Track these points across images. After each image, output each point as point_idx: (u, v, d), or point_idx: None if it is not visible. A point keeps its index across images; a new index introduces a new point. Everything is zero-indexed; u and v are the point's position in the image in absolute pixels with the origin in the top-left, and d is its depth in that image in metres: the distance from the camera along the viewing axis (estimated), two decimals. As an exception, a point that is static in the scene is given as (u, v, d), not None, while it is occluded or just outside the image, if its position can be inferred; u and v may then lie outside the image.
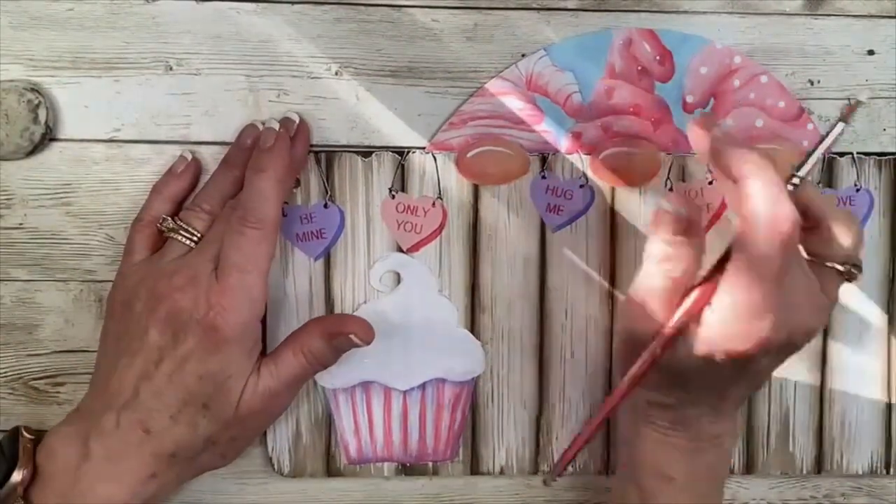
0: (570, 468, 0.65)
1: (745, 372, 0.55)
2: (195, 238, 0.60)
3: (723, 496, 0.61)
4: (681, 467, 0.58)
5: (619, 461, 0.64)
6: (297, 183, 0.64)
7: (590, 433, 0.58)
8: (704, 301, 0.54)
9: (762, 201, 0.51)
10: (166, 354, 0.56)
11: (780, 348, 0.54)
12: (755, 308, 0.52)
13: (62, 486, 0.56)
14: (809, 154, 0.55)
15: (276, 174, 0.59)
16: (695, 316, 0.54)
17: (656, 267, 0.56)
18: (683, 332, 0.54)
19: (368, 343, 0.60)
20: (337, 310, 0.65)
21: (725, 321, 0.53)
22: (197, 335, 0.56)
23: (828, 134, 0.55)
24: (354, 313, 0.65)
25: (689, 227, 0.55)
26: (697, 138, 0.56)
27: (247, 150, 0.61)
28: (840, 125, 0.55)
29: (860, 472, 0.68)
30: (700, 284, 0.55)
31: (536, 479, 0.67)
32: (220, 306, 0.56)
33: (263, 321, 0.63)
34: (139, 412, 0.56)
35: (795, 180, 0.55)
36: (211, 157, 0.63)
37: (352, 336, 0.60)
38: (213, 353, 0.56)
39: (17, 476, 0.56)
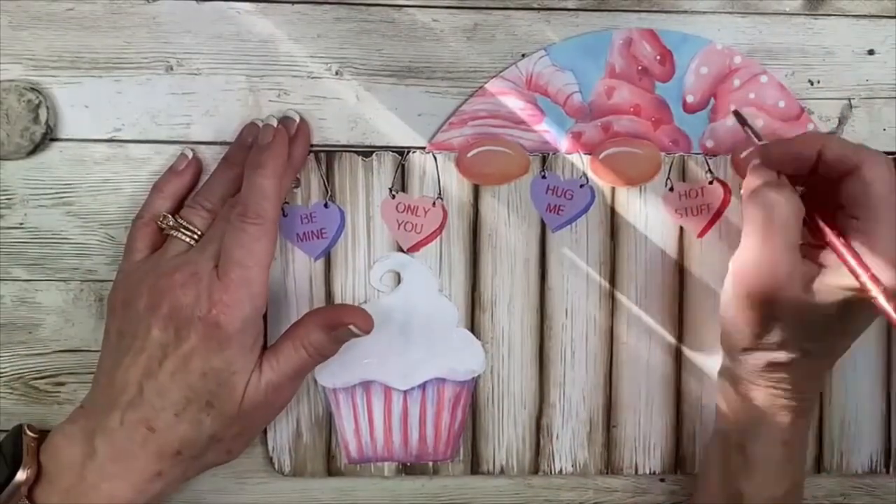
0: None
1: (870, 320, 0.58)
2: (195, 236, 0.60)
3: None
4: (794, 430, 0.60)
5: (718, 429, 0.64)
6: (298, 183, 0.64)
7: None
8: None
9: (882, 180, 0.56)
10: (169, 352, 0.57)
11: None
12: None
13: (66, 485, 0.56)
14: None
15: (275, 170, 0.59)
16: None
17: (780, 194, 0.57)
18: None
19: (368, 332, 0.60)
20: (337, 309, 0.65)
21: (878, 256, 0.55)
22: (199, 332, 0.56)
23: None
24: (355, 312, 0.65)
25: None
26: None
27: (247, 148, 0.61)
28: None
29: (860, 472, 0.68)
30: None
31: (537, 478, 0.67)
32: (221, 303, 0.56)
33: (265, 319, 0.63)
34: (143, 410, 0.57)
35: None
36: (211, 157, 0.63)
37: (351, 326, 0.60)
38: (215, 349, 0.56)
39: (21, 475, 0.56)
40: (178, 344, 0.56)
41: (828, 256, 0.57)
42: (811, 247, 0.58)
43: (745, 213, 0.58)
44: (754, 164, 0.59)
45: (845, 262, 0.55)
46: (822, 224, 0.57)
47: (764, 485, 0.60)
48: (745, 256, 0.58)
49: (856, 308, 0.55)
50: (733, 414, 0.61)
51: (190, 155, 0.62)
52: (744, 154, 0.63)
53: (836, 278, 0.55)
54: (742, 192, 0.59)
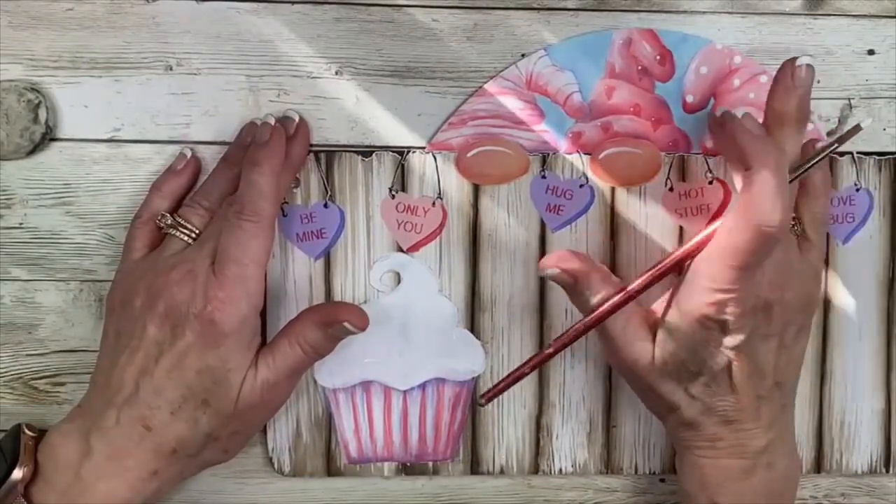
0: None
1: (717, 337, 0.57)
2: (193, 234, 0.60)
3: None
4: (726, 491, 0.58)
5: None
6: (297, 183, 0.64)
7: (543, 357, 0.60)
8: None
9: (760, 196, 0.53)
10: (165, 349, 0.57)
11: (753, 321, 0.56)
12: (715, 281, 0.55)
13: (63, 484, 0.56)
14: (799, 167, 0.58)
15: (272, 168, 0.58)
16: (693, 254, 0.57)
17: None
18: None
19: (363, 329, 0.60)
20: (337, 309, 0.65)
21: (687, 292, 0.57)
22: (195, 330, 0.56)
23: (823, 149, 0.58)
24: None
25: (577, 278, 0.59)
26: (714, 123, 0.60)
27: (246, 147, 0.61)
28: (834, 145, 0.58)
29: (860, 472, 0.68)
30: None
31: (537, 478, 0.67)
32: (217, 300, 0.56)
33: (263, 319, 0.63)
34: (139, 409, 0.57)
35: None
36: (211, 157, 0.63)
37: (346, 323, 0.59)
38: (211, 347, 0.56)
39: (17, 474, 0.56)
40: (174, 341, 0.56)
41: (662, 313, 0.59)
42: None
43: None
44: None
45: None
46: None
47: None
48: (603, 343, 0.61)
49: (700, 330, 0.57)
50: (679, 478, 0.62)
51: (189, 154, 0.62)
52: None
53: (671, 315, 0.58)
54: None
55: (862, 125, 0.58)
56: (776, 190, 0.53)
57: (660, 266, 0.58)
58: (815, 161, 0.57)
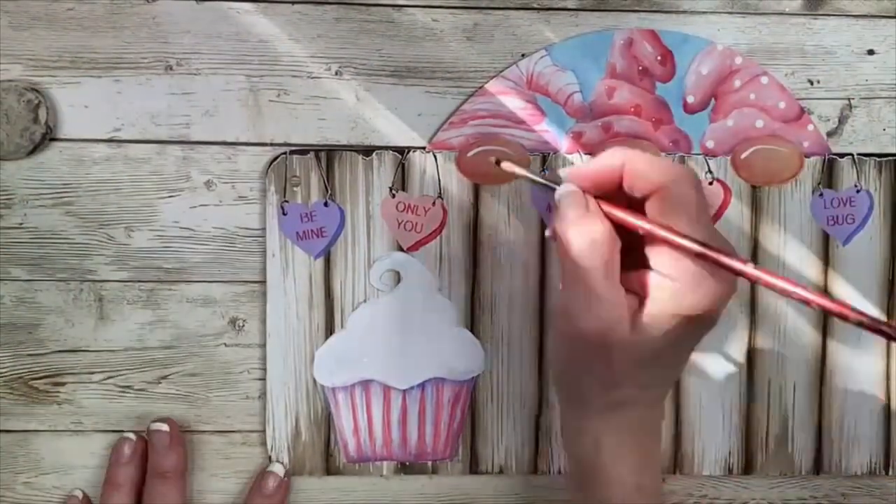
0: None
1: (705, 332, 0.53)
2: None
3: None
4: (647, 472, 0.55)
5: (573, 483, 0.58)
6: (298, 181, 0.64)
7: None
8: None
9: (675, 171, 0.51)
10: None
11: (726, 300, 0.52)
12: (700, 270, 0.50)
13: None
14: None
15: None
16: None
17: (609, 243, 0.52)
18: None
19: None
20: (337, 308, 0.65)
21: (689, 286, 0.50)
22: None
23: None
24: (354, 312, 0.65)
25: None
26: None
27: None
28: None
29: (859, 473, 0.68)
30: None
31: (536, 478, 0.67)
32: None
33: (264, 319, 0.64)
34: None
35: None
36: (211, 158, 0.63)
37: None
38: None
39: None
40: None
41: (648, 282, 0.51)
42: (629, 275, 0.53)
43: (559, 251, 0.53)
44: (560, 193, 0.53)
45: (676, 245, 0.50)
46: (633, 220, 0.51)
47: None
48: (565, 299, 0.53)
49: (683, 333, 0.52)
50: (581, 464, 0.56)
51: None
52: (558, 194, 0.54)
53: (663, 306, 0.51)
54: (548, 232, 0.55)
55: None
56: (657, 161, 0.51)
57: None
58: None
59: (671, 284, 0.50)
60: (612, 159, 0.51)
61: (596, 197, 0.52)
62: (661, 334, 0.51)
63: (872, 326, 0.46)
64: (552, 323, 0.55)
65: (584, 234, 0.51)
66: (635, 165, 0.51)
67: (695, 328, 0.52)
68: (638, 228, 0.51)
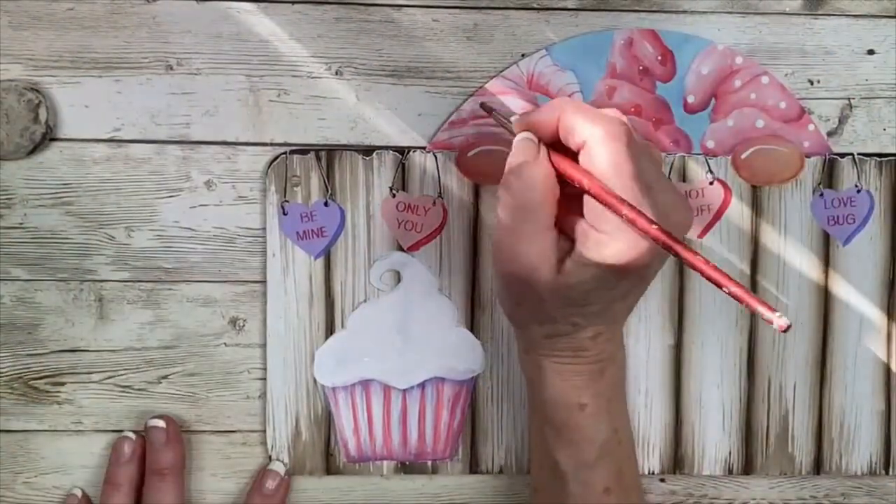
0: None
1: (635, 282, 0.56)
2: None
3: (628, 415, 0.62)
4: (589, 392, 0.58)
5: (529, 405, 0.62)
6: (298, 181, 0.64)
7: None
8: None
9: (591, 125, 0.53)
10: None
11: (663, 252, 0.53)
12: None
13: None
14: None
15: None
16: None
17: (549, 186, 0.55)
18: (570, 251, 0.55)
19: None
20: (337, 308, 0.65)
21: (610, 233, 0.53)
22: None
23: None
24: (354, 312, 0.65)
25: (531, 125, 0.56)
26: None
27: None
28: None
29: (859, 473, 0.68)
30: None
31: (536, 478, 0.67)
32: None
33: (264, 318, 0.64)
34: None
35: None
36: (211, 158, 0.63)
37: None
38: None
39: None
40: None
41: (576, 229, 0.54)
42: (567, 217, 0.55)
43: (500, 189, 0.56)
44: (517, 139, 0.56)
45: (605, 202, 0.52)
46: (571, 172, 0.54)
47: (572, 451, 0.58)
48: (499, 236, 0.56)
49: (610, 280, 0.54)
50: (531, 385, 0.60)
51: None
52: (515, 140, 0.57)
53: (587, 252, 0.53)
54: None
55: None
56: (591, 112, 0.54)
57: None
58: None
59: (595, 234, 0.53)
60: (551, 112, 0.55)
61: (552, 146, 0.56)
62: (587, 278, 0.54)
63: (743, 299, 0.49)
64: (493, 255, 0.57)
65: (524, 178, 0.55)
66: (565, 120, 0.54)
67: (621, 277, 0.54)
68: (573, 181, 0.54)
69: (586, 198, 0.53)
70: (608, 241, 0.53)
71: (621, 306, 0.57)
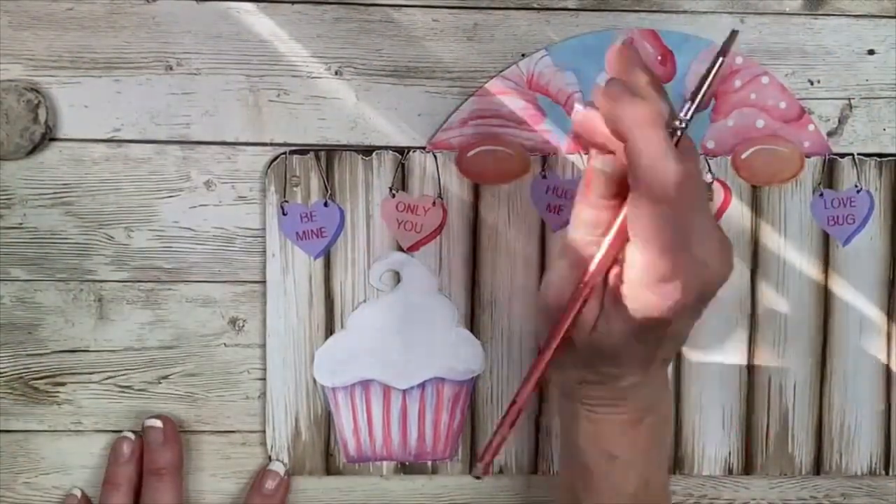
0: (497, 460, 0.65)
1: (666, 334, 0.54)
2: None
3: (667, 465, 0.61)
4: (623, 442, 0.57)
5: (561, 451, 0.62)
6: (298, 181, 0.64)
7: (515, 413, 0.56)
8: (615, 251, 0.53)
9: (646, 160, 0.48)
10: None
11: (696, 304, 0.53)
12: (660, 273, 0.50)
13: None
14: (694, 94, 0.51)
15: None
16: (607, 271, 0.54)
17: (586, 232, 0.54)
18: (593, 297, 0.54)
19: None
20: (337, 308, 0.65)
21: (635, 290, 0.51)
22: None
23: (708, 72, 0.51)
24: (354, 312, 0.65)
25: (620, 190, 0.52)
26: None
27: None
28: (720, 59, 0.51)
29: (859, 473, 0.68)
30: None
31: (536, 478, 0.67)
32: None
33: (263, 319, 0.64)
34: None
35: (681, 123, 0.51)
36: (211, 158, 0.63)
37: None
38: None
39: None
40: None
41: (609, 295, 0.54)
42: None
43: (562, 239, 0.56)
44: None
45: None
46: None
47: (597, 500, 0.58)
48: (546, 274, 0.57)
49: (641, 332, 0.53)
50: (564, 429, 0.60)
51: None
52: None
53: (611, 311, 0.53)
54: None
55: (735, 28, 0.54)
56: (661, 146, 0.48)
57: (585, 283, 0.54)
58: (709, 81, 0.51)
59: (626, 292, 0.52)
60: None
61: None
62: (616, 336, 0.54)
63: None
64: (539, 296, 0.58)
65: (574, 215, 0.55)
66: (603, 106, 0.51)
67: (647, 332, 0.53)
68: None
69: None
70: (626, 300, 0.52)
71: (657, 355, 0.56)
